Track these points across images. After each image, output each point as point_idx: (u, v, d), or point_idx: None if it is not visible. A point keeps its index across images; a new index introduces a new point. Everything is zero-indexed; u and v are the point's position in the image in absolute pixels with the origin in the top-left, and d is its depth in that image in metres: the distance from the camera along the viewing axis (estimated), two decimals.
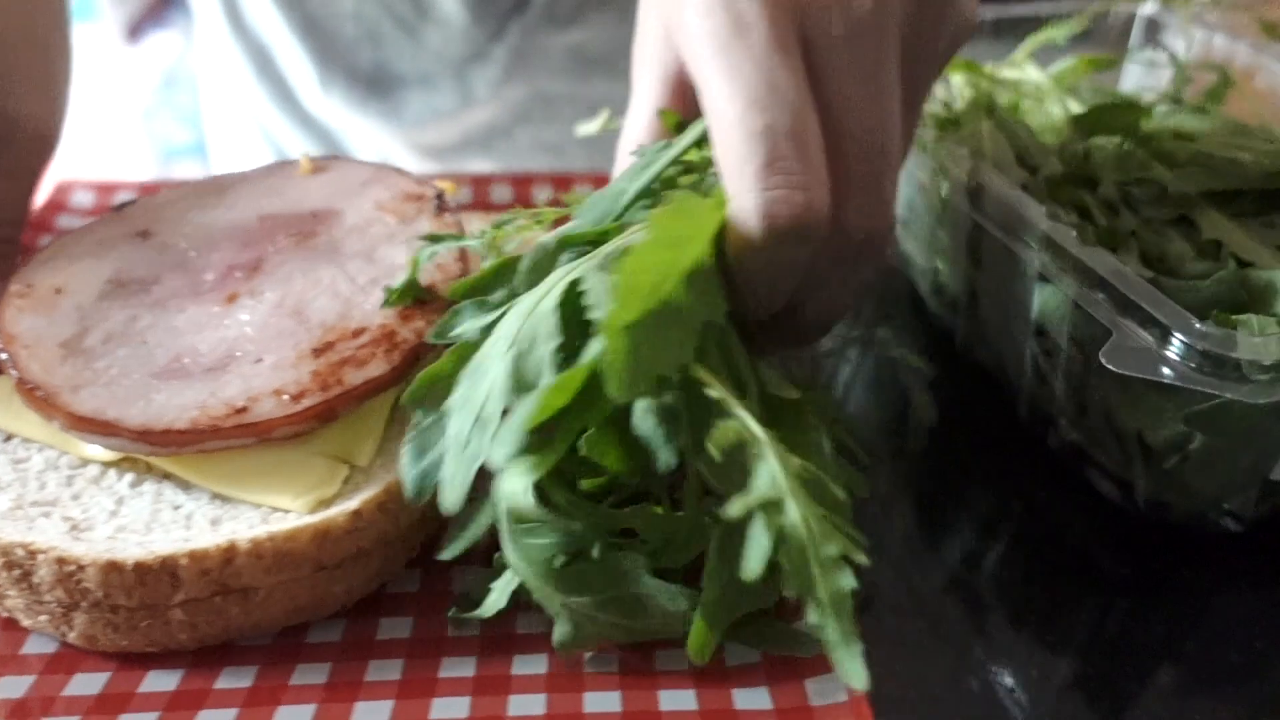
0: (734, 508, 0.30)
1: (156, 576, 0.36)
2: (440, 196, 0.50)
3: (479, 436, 0.32)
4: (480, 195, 0.65)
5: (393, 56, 0.88)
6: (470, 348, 0.35)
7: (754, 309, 0.39)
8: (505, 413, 0.32)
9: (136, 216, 0.50)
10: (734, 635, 0.36)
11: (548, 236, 0.39)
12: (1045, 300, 0.46)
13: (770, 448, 0.31)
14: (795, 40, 0.37)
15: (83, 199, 0.64)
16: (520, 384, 0.32)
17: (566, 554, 0.34)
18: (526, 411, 0.31)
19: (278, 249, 0.48)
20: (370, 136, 0.92)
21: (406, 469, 0.35)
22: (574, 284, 0.34)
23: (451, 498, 0.33)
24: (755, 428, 0.31)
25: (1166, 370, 0.38)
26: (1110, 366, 0.40)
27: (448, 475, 0.33)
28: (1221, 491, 0.43)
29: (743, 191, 0.36)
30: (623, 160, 0.45)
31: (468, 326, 0.38)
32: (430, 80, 0.88)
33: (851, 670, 0.29)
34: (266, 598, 0.37)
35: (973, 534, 0.47)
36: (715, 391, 0.32)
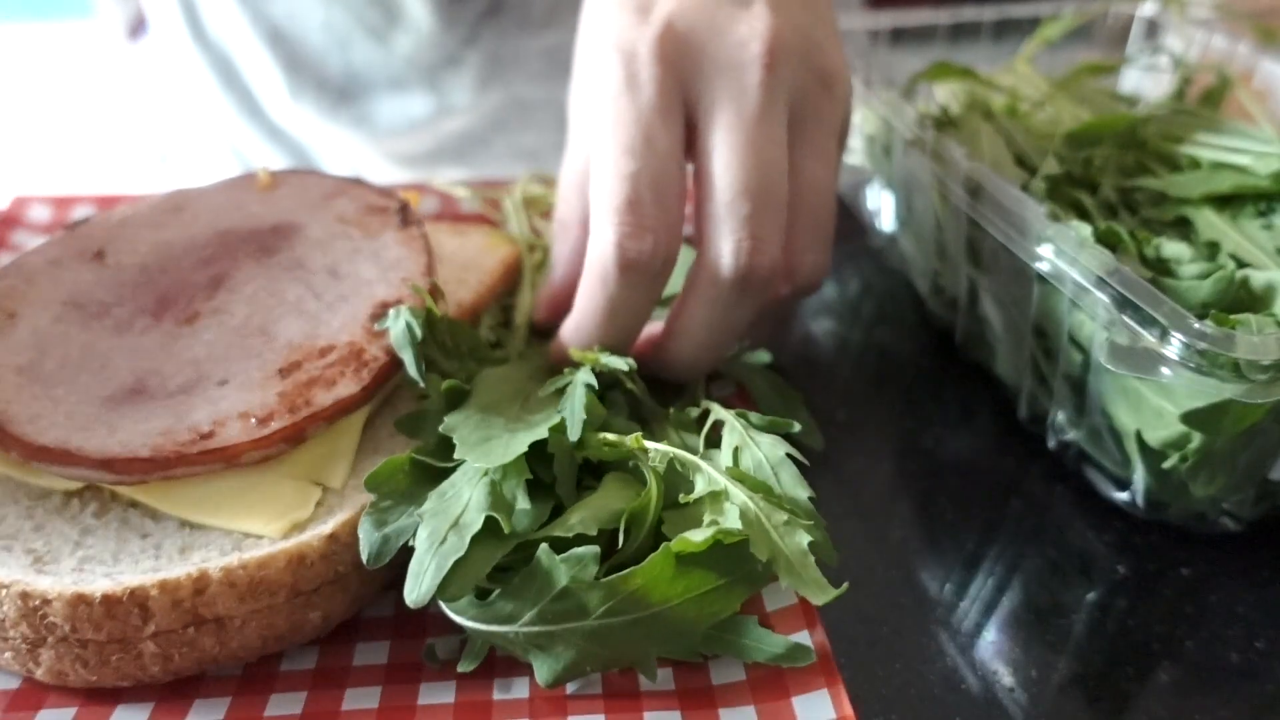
0: (684, 499, 0.37)
1: (126, 609, 0.35)
2: (404, 209, 0.49)
3: (456, 537, 0.35)
4: (447, 205, 0.63)
5: (363, 64, 0.85)
6: (428, 450, 0.39)
7: (610, 339, 0.43)
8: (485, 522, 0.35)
9: (90, 236, 0.48)
10: (724, 646, 0.36)
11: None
12: (1045, 300, 0.46)
13: (699, 458, 0.38)
14: (679, 103, 0.43)
15: (39, 214, 0.62)
16: (498, 503, 0.36)
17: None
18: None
19: (239, 266, 0.46)
20: (342, 147, 0.89)
21: (366, 535, 0.36)
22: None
23: (424, 589, 0.34)
24: (676, 451, 0.39)
25: (1166, 370, 0.38)
26: (1110, 367, 0.40)
27: (421, 567, 0.35)
28: (1220, 491, 0.43)
29: (603, 225, 0.41)
30: (561, 197, 0.49)
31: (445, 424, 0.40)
32: (403, 87, 0.86)
33: (823, 595, 0.35)
34: (241, 627, 0.36)
35: (973, 533, 0.47)
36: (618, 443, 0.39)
